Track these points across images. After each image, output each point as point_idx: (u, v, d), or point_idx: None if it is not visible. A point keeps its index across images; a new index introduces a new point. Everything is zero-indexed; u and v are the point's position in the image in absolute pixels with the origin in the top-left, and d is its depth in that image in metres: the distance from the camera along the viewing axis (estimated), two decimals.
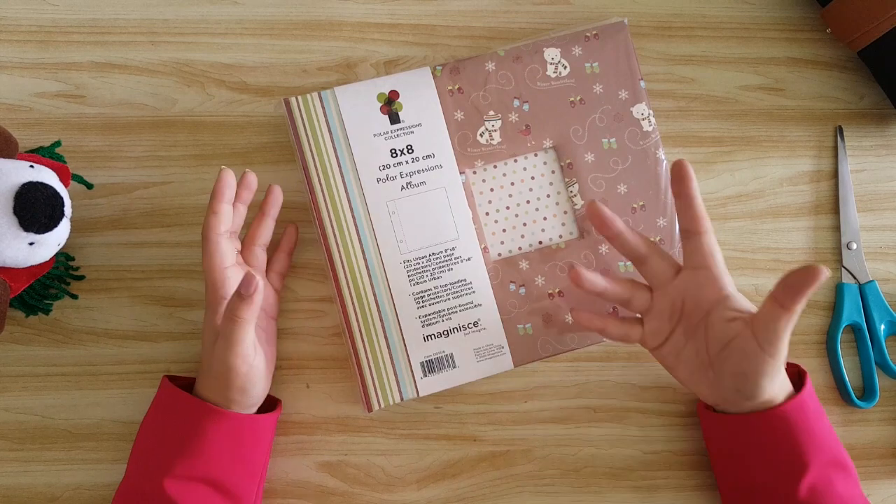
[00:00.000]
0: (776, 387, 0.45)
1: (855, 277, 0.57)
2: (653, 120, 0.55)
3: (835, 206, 0.58)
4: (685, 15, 0.59)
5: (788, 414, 0.45)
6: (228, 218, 0.47)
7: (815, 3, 0.59)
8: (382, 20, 0.57)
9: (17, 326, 0.52)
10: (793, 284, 0.41)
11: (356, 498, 0.53)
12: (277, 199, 0.52)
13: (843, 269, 0.57)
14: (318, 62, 0.56)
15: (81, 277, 0.53)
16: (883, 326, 0.56)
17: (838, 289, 0.57)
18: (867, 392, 0.56)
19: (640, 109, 0.55)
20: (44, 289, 0.51)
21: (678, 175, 0.46)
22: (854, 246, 0.57)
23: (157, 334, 0.53)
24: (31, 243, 0.45)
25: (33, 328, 0.53)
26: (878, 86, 0.59)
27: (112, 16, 0.55)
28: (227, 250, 0.47)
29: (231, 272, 0.47)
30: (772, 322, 0.42)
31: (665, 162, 0.55)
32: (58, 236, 0.46)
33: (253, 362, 0.45)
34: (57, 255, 0.49)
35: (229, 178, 0.47)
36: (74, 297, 0.53)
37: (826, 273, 0.39)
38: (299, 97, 0.52)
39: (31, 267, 0.47)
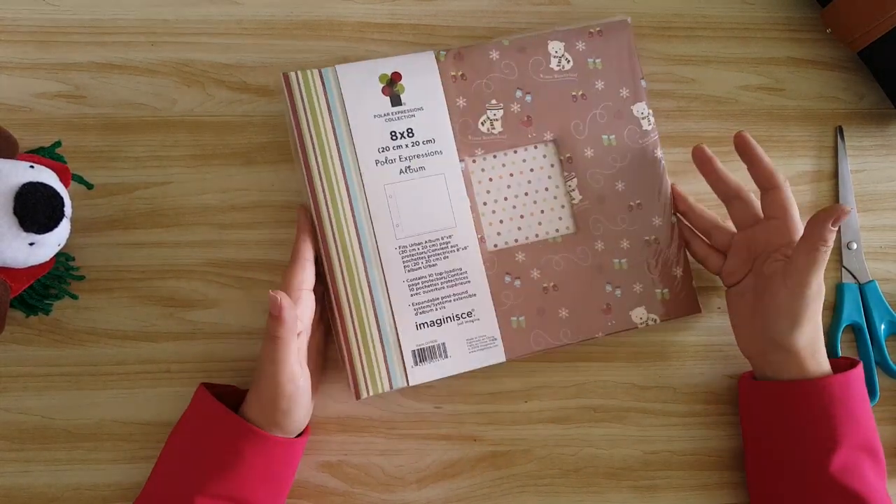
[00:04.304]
0: (803, 338, 0.47)
1: (855, 277, 0.57)
2: (652, 119, 0.55)
3: None
4: (685, 15, 0.59)
5: (830, 388, 0.47)
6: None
7: (815, 3, 0.59)
8: (382, 20, 0.57)
9: (18, 327, 0.52)
10: (816, 218, 0.45)
11: (356, 498, 0.53)
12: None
13: (843, 268, 0.57)
14: (318, 62, 0.56)
15: (81, 278, 0.53)
16: (883, 326, 0.56)
17: (838, 289, 0.57)
18: (867, 392, 0.56)
19: (640, 108, 0.55)
20: (44, 289, 0.51)
21: (742, 144, 0.51)
22: (854, 246, 0.57)
23: (158, 334, 0.53)
24: (31, 243, 0.45)
25: (33, 328, 0.52)
26: (878, 86, 0.59)
27: (112, 16, 0.55)
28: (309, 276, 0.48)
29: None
30: (796, 255, 0.46)
31: (663, 162, 0.55)
32: (58, 236, 0.46)
33: (299, 382, 0.45)
34: (57, 255, 0.49)
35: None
36: (74, 297, 0.53)
37: (847, 211, 0.44)
38: (299, 72, 0.51)
39: (32, 267, 0.47)
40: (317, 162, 0.51)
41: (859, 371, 0.49)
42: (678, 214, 0.55)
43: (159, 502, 0.45)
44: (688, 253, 0.55)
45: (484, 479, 0.53)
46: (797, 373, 0.48)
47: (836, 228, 0.45)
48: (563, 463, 0.54)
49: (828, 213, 0.44)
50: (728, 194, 0.52)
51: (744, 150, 0.51)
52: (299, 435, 0.48)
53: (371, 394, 0.50)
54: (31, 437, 0.52)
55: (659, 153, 0.55)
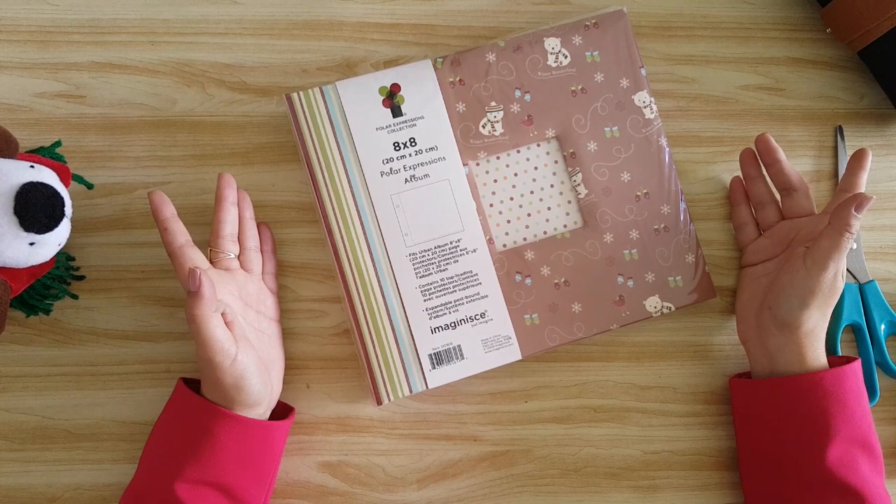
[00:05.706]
0: (808, 321, 0.48)
1: (855, 277, 0.57)
2: (654, 107, 0.55)
3: None
4: (685, 15, 0.59)
5: (823, 382, 0.47)
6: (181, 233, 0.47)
7: (815, 3, 0.59)
8: (382, 20, 0.57)
9: (18, 326, 0.52)
10: (841, 205, 0.46)
11: (356, 498, 0.53)
12: (247, 199, 0.52)
13: None
14: (318, 62, 0.56)
15: (82, 277, 0.53)
16: (883, 326, 0.56)
17: None
18: (867, 392, 0.56)
19: (642, 97, 0.55)
20: (44, 289, 0.51)
21: (765, 147, 0.52)
22: (854, 246, 0.57)
23: (158, 334, 0.53)
24: (31, 243, 0.45)
25: (33, 328, 0.53)
26: (878, 86, 0.59)
27: (112, 16, 0.55)
28: (197, 258, 0.46)
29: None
30: (820, 238, 0.47)
31: (668, 149, 0.55)
32: (58, 236, 0.46)
33: (236, 356, 0.44)
34: (57, 255, 0.49)
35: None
36: (75, 297, 0.53)
37: (870, 198, 0.46)
38: (301, 93, 0.52)
39: (32, 267, 0.47)
40: (324, 178, 0.51)
41: (854, 367, 0.49)
42: (743, 176, 0.55)
43: (143, 494, 0.45)
44: (701, 243, 0.55)
45: (484, 479, 0.54)
46: (794, 359, 0.48)
47: (861, 215, 0.46)
48: (563, 463, 0.54)
49: (852, 199, 0.46)
50: (788, 185, 0.52)
51: (766, 152, 0.52)
52: (279, 421, 0.48)
53: (392, 399, 0.51)
54: (31, 437, 0.52)
55: (663, 141, 0.55)
